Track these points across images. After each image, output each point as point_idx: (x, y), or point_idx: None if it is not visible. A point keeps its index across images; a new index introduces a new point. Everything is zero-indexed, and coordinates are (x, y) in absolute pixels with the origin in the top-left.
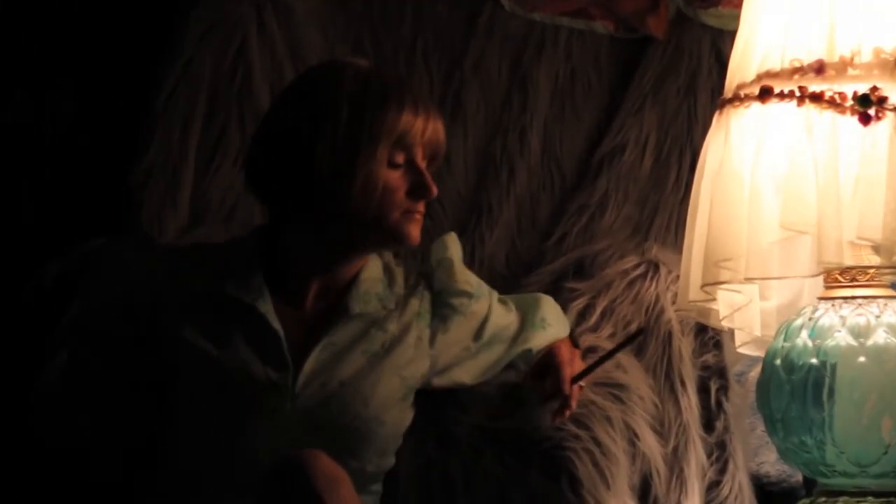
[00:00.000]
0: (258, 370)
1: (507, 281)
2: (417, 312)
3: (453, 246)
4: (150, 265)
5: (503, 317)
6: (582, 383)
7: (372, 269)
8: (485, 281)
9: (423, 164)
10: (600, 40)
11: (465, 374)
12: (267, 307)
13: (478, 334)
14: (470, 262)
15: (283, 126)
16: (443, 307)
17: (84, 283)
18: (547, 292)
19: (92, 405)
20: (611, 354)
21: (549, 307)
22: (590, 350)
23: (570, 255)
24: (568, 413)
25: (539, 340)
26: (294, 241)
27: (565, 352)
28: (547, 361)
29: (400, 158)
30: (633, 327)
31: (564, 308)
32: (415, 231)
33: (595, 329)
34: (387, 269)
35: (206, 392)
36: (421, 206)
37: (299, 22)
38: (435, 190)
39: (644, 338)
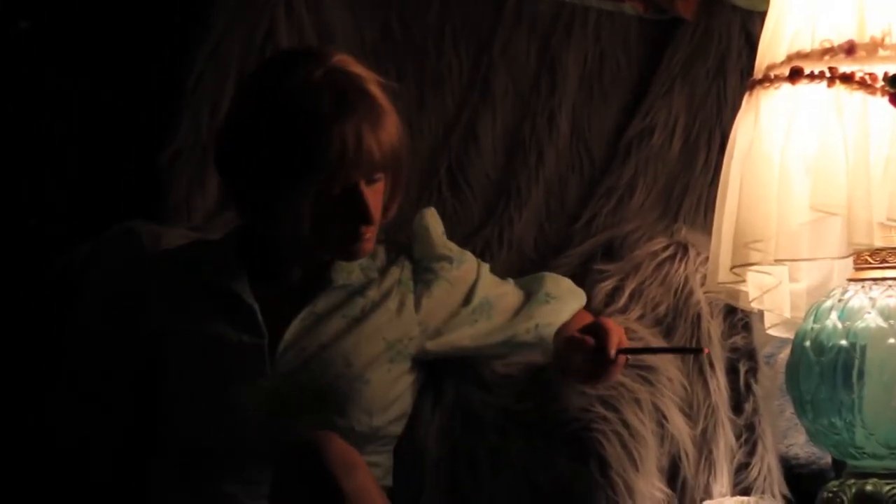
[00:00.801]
0: (233, 336)
1: (536, 264)
2: (399, 280)
3: (431, 219)
4: (137, 266)
5: (495, 285)
6: (628, 357)
7: None
8: (514, 264)
9: (364, 189)
10: (629, 22)
11: (465, 339)
12: (241, 286)
13: (466, 299)
14: (498, 244)
15: (226, 128)
16: (424, 273)
17: (82, 284)
18: (576, 274)
19: (93, 402)
20: (668, 351)
21: (553, 282)
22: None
23: (598, 238)
24: (607, 378)
25: (546, 316)
26: (271, 238)
27: (612, 323)
28: (595, 324)
29: (336, 188)
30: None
31: (592, 289)
32: (364, 248)
33: (624, 311)
34: None
35: (190, 364)
36: (364, 230)
37: (327, 5)
38: (374, 217)
39: (673, 319)
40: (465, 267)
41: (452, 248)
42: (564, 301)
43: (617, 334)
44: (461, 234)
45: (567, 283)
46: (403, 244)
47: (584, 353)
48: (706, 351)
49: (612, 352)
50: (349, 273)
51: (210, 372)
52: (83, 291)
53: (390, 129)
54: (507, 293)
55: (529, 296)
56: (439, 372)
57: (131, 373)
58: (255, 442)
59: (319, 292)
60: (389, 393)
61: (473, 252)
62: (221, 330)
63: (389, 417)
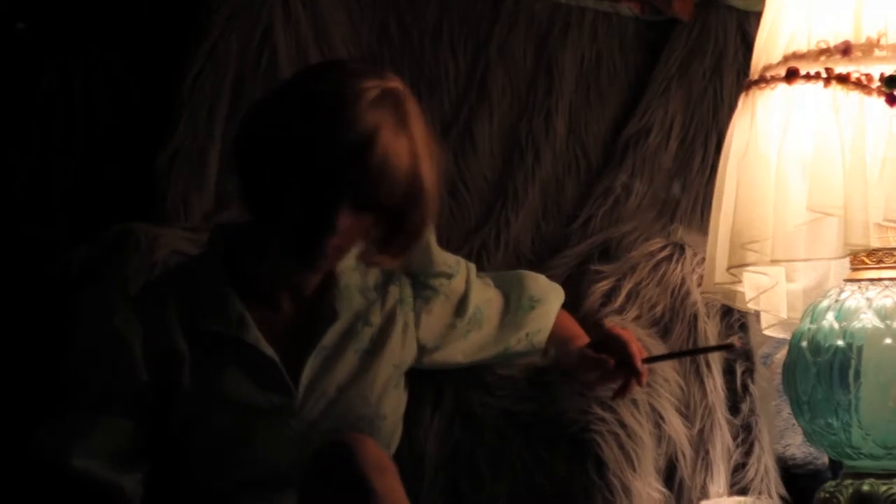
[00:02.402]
0: (260, 399)
1: (533, 264)
2: (399, 299)
3: (428, 231)
4: (130, 321)
5: (483, 291)
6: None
7: (345, 259)
8: (510, 265)
9: (345, 210)
10: (625, 22)
11: (458, 354)
12: (254, 335)
13: (459, 310)
14: (495, 245)
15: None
16: (423, 289)
17: (81, 289)
18: (572, 275)
19: (94, 408)
20: (694, 353)
21: (533, 283)
22: None
23: (595, 238)
24: (635, 388)
25: (535, 323)
26: (263, 251)
27: (626, 333)
28: (610, 338)
29: (325, 195)
30: (733, 339)
31: (589, 290)
32: (323, 264)
33: (620, 311)
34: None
35: (208, 422)
36: (328, 242)
37: (325, 5)
38: (339, 239)
39: (670, 320)
40: (458, 277)
41: (449, 260)
42: (549, 302)
43: (635, 344)
44: (458, 236)
45: (544, 282)
46: None
47: (604, 370)
48: (738, 343)
49: (640, 365)
50: (350, 300)
51: (229, 427)
52: (82, 300)
53: (399, 175)
54: (491, 298)
55: (509, 299)
56: (439, 375)
57: (136, 382)
58: (280, 479)
59: (325, 324)
60: (397, 417)
61: (470, 253)
62: (242, 388)
63: (397, 439)
